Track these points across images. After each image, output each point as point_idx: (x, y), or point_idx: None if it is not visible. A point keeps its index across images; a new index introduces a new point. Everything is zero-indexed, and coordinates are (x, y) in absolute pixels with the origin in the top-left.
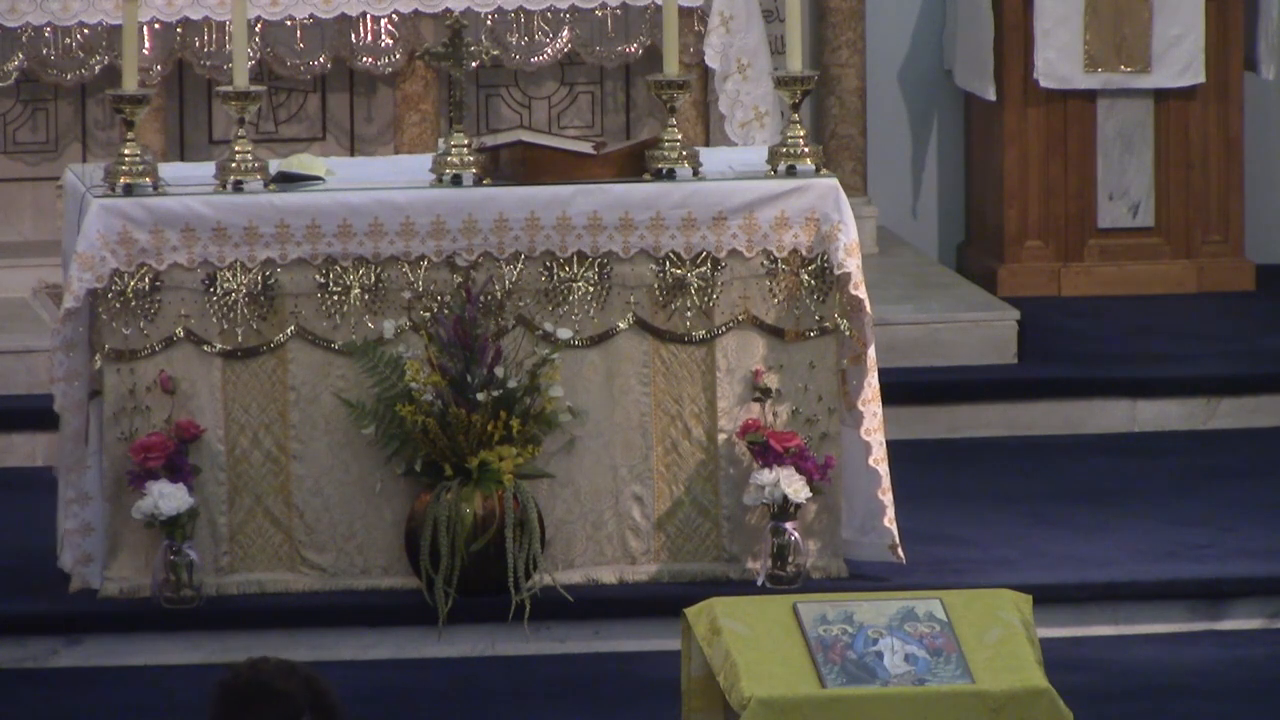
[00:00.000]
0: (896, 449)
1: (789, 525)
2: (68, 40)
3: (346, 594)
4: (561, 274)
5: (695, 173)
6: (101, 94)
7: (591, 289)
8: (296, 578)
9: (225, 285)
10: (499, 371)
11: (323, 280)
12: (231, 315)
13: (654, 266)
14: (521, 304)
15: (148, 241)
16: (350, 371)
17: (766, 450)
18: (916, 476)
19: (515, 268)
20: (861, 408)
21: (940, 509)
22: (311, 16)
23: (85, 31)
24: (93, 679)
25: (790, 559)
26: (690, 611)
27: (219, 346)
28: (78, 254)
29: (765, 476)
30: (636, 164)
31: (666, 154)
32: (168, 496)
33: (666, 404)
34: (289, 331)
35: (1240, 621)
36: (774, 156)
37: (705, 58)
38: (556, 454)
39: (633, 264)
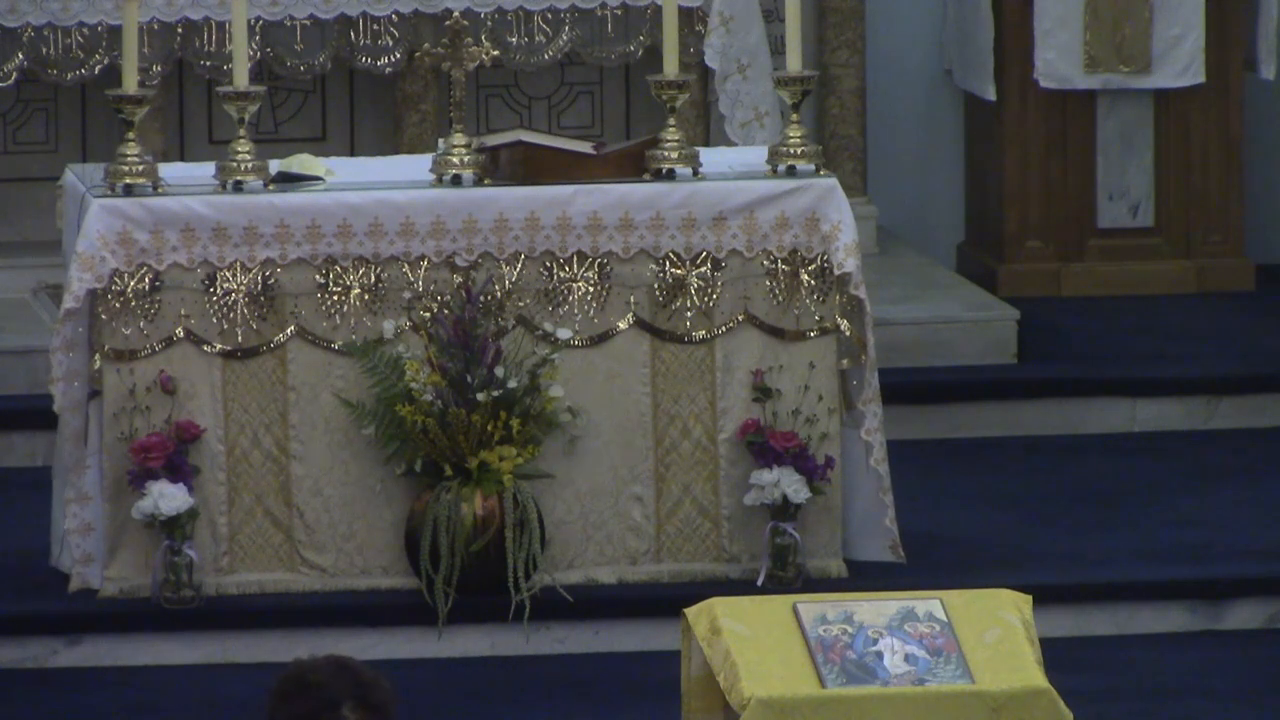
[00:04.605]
0: (896, 449)
1: (789, 525)
2: (68, 40)
3: (346, 594)
4: (561, 274)
5: (695, 173)
6: (101, 94)
7: (591, 289)
8: (296, 578)
9: (225, 285)
10: (499, 371)
11: (323, 280)
12: (231, 315)
13: (654, 266)
14: (521, 304)
15: (148, 241)
16: (350, 371)
17: (766, 450)
18: (916, 476)
19: (515, 268)
20: (862, 408)
21: (940, 509)
22: (311, 16)
23: (85, 31)
24: (93, 679)
25: (790, 559)
26: (690, 611)
27: (219, 346)
28: (78, 254)
29: (765, 476)
30: (636, 164)
31: (666, 154)
32: (168, 496)
33: (666, 404)
34: (289, 331)
35: (1240, 621)
36: (774, 156)
37: (705, 58)
38: (556, 454)
39: (633, 264)
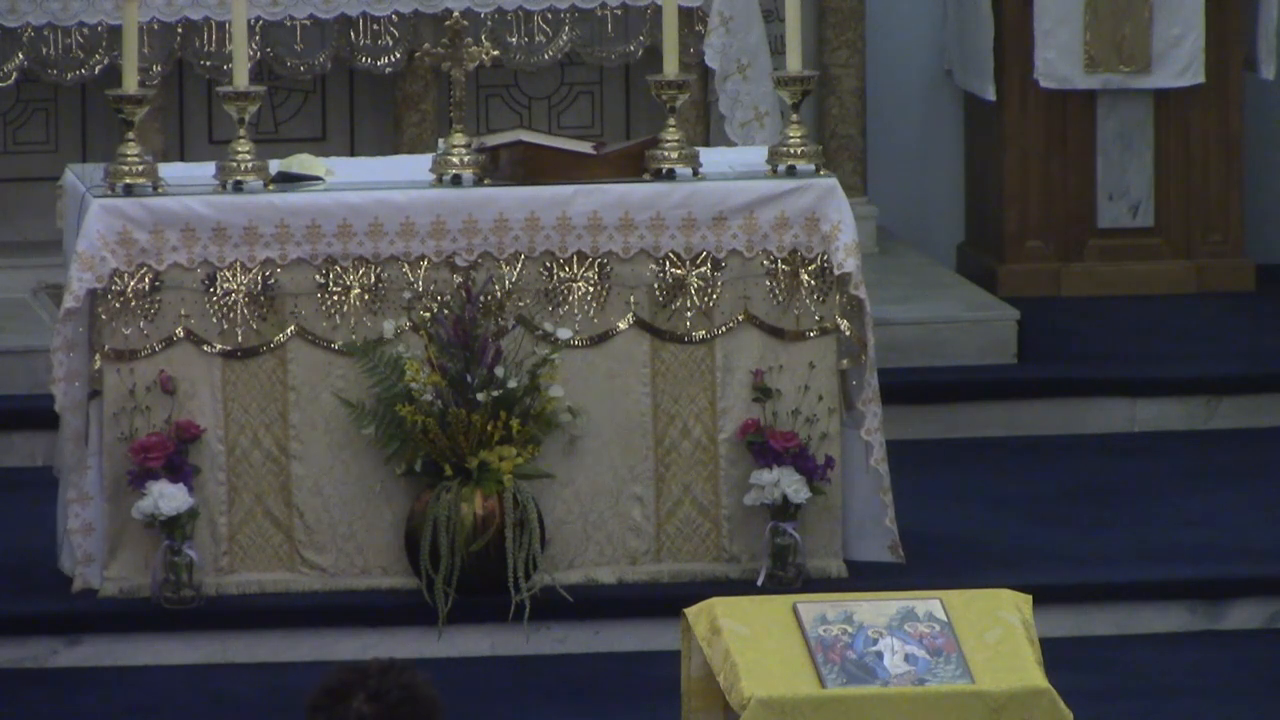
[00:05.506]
0: (896, 449)
1: (789, 525)
2: (68, 40)
3: (346, 594)
4: (561, 274)
5: (695, 173)
6: (101, 94)
7: (591, 289)
8: (296, 578)
9: (225, 285)
10: (499, 371)
11: (323, 280)
12: (231, 315)
13: (654, 266)
14: (521, 304)
15: (148, 241)
16: (350, 371)
17: (766, 450)
18: (916, 476)
19: (515, 268)
20: (862, 408)
21: (940, 509)
22: (311, 16)
23: (85, 31)
24: (93, 679)
25: (790, 559)
26: (690, 611)
27: (219, 346)
28: (78, 254)
29: (765, 476)
30: (636, 164)
31: (666, 154)
32: (168, 496)
33: (666, 404)
34: (289, 331)
35: (1240, 621)
36: (774, 156)
37: (705, 58)
38: (556, 454)
39: (633, 264)
